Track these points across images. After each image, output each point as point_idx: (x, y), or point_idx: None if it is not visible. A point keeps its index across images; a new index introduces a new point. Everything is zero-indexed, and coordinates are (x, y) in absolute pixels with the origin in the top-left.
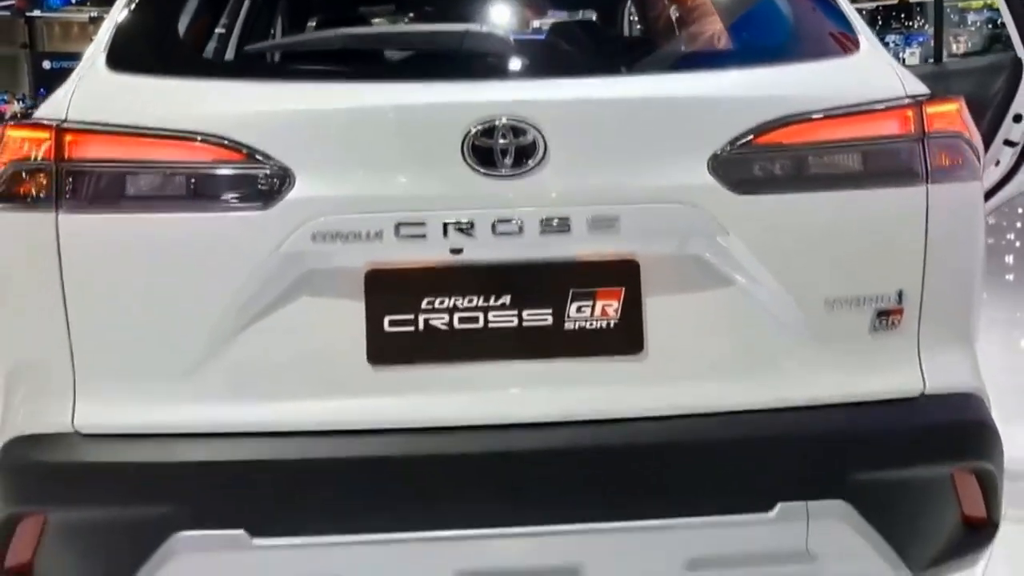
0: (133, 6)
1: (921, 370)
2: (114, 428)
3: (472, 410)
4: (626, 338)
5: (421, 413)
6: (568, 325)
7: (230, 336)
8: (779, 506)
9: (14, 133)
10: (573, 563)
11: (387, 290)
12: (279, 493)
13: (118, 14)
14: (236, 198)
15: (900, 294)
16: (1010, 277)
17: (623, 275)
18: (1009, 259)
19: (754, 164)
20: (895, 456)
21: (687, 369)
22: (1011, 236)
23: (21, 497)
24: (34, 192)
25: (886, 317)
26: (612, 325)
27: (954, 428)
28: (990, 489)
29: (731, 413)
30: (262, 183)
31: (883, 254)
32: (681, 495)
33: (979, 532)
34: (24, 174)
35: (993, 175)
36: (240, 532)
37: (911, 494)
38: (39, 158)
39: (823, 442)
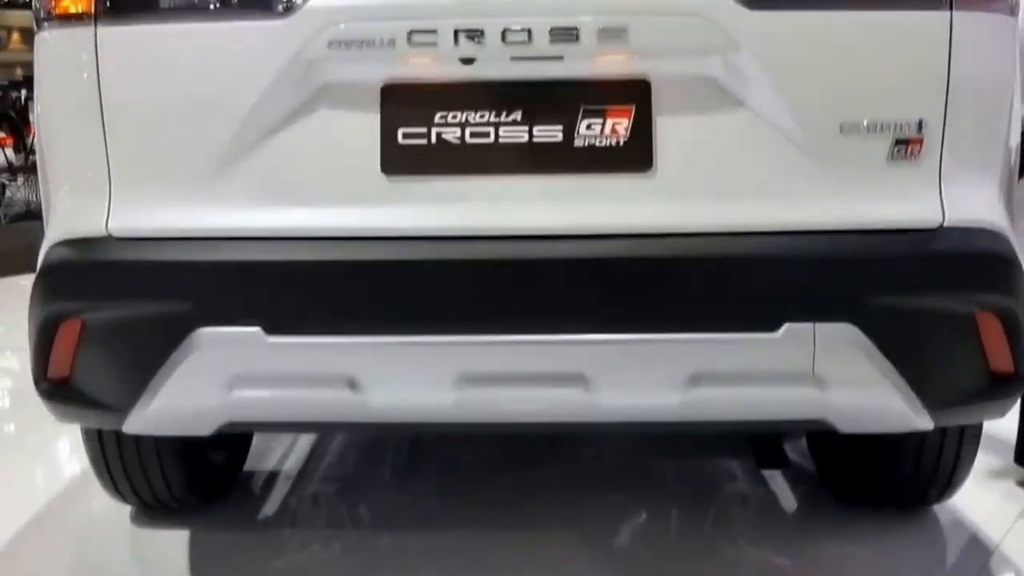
0: None
1: (941, 202)
2: (144, 232)
3: (481, 220)
4: (635, 156)
5: (432, 221)
6: (578, 142)
7: (252, 145)
8: (785, 326)
9: None
10: (574, 371)
11: (401, 103)
12: (293, 294)
13: None
14: (257, 7)
15: (920, 123)
16: None
17: (634, 93)
18: None
19: None
20: (909, 284)
21: (696, 188)
22: None
23: (62, 296)
24: (77, 8)
25: (905, 146)
26: (622, 143)
27: (974, 261)
28: (1015, 334)
29: (739, 234)
30: None
31: (903, 81)
32: (685, 311)
33: (1004, 382)
34: None
35: None
36: (256, 329)
37: (928, 328)
38: None
39: (833, 265)
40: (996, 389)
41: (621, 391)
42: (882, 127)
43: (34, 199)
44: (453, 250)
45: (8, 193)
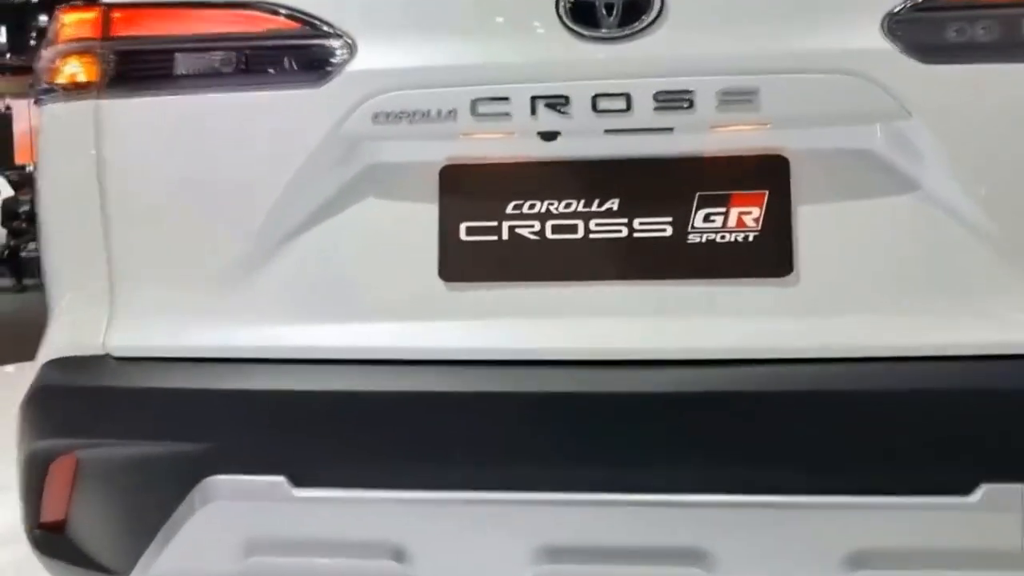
0: None
1: None
2: (147, 350)
3: (565, 341)
4: (770, 256)
5: (503, 342)
6: (693, 238)
7: (281, 244)
8: (983, 488)
9: (66, 17)
10: (692, 545)
11: (465, 190)
12: (328, 434)
13: None
14: (289, 74)
15: None
16: None
17: (767, 173)
18: None
19: (947, 22)
20: None
21: (852, 298)
22: None
23: (51, 428)
24: (78, 77)
25: None
26: (752, 239)
27: None
28: None
29: (913, 359)
30: (318, 54)
31: None
32: (844, 466)
33: None
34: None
35: None
36: (280, 479)
37: None
38: (85, 38)
39: None
40: None
41: (755, 574)
42: None
43: None
44: (531, 380)
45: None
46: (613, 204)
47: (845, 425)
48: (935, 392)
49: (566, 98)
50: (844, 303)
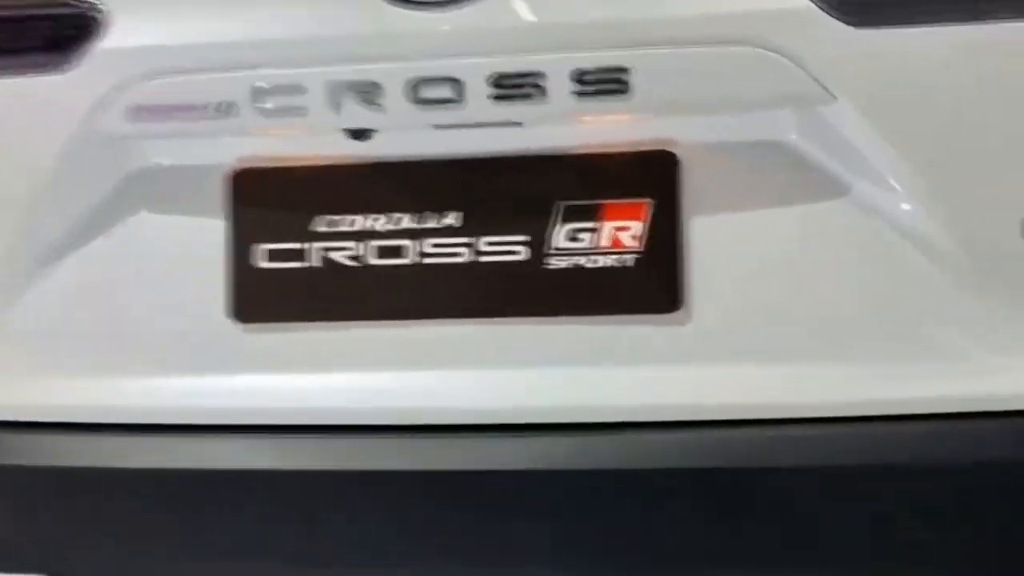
0: None
1: None
2: None
3: (393, 399)
4: (654, 285)
5: (311, 401)
6: (553, 262)
7: (29, 273)
8: None
9: None
10: None
11: (263, 202)
12: (91, 522)
13: None
14: (25, 55)
15: None
16: None
17: (650, 176)
18: None
19: None
20: None
21: (761, 340)
22: None
23: None
24: None
25: None
26: (630, 263)
27: None
28: None
29: (841, 421)
30: (60, 31)
31: None
32: (757, 568)
33: None
34: None
35: None
36: None
37: None
38: None
39: None
40: None
41: None
42: None
43: None
44: (346, 452)
45: None
46: (451, 220)
47: (766, 516)
48: (877, 469)
49: (376, 85)
50: (750, 346)
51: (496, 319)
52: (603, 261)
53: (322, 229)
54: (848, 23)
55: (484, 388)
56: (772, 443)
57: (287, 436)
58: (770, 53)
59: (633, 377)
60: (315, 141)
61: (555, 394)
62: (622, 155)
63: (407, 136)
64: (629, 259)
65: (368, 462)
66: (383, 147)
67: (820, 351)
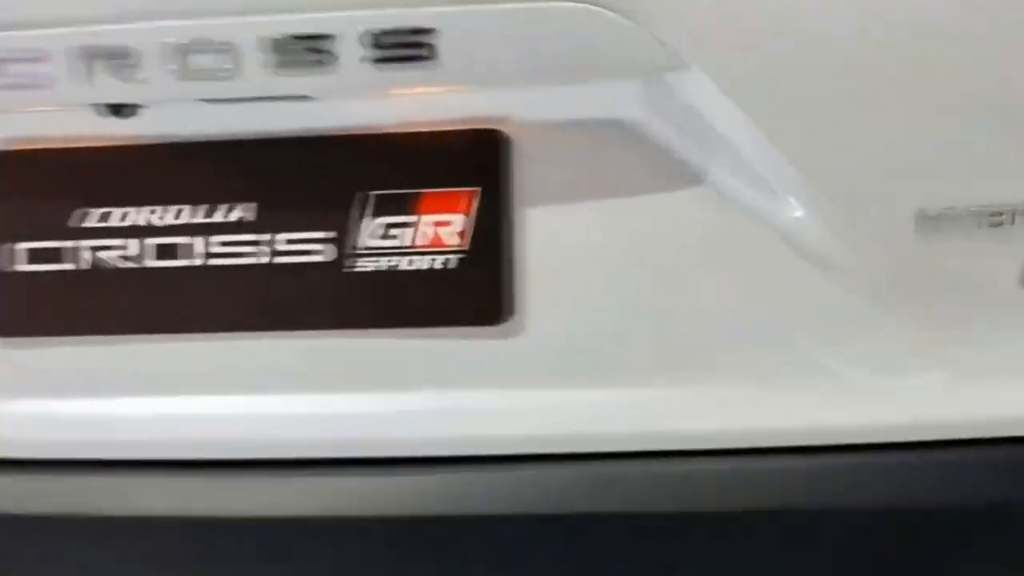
0: None
1: None
2: None
3: (171, 430)
4: (479, 291)
5: (77, 432)
6: (362, 264)
7: None
8: None
9: None
10: None
11: (17, 191)
12: None
13: None
14: None
15: None
16: None
17: (472, 162)
18: None
19: None
20: None
21: (609, 357)
22: None
23: None
24: None
25: None
26: (452, 265)
27: None
28: None
29: (709, 453)
30: None
31: None
32: None
33: None
34: None
35: None
36: None
37: None
38: None
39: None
40: None
41: None
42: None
43: None
44: (111, 496)
45: None
46: (242, 213)
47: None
48: (742, 515)
49: (131, 50)
50: (592, 365)
51: (295, 333)
52: (421, 263)
53: (90, 225)
54: None
55: (281, 422)
56: (616, 483)
57: (42, 473)
58: (602, 10)
59: (452, 403)
60: (66, 119)
61: (351, 425)
62: (441, 135)
63: (182, 113)
64: (451, 260)
65: (119, 504)
66: (153, 127)
67: (676, 371)
